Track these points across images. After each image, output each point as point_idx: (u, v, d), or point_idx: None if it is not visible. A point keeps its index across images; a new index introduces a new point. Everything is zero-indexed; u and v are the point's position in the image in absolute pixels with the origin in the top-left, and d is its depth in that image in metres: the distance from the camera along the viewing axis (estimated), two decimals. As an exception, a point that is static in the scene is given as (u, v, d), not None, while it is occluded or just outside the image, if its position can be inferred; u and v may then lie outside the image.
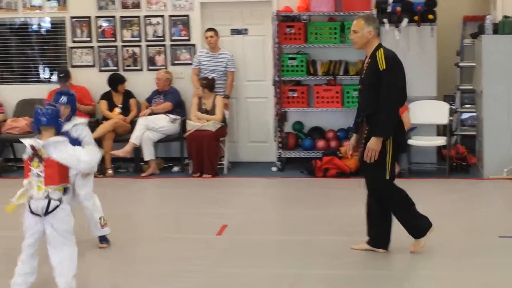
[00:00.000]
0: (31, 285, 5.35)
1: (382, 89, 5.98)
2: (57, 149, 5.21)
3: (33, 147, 5.25)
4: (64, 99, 6.51)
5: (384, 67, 5.98)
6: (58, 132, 5.34)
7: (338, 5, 10.00)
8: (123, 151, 9.91)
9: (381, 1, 9.92)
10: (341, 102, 10.10)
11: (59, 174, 5.25)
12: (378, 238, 6.34)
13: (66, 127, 6.21)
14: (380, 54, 6.02)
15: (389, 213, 6.30)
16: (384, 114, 5.99)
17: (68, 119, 6.39)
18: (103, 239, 6.74)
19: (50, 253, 5.25)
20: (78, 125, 6.53)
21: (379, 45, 6.12)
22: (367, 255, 6.28)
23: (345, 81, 10.27)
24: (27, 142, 5.30)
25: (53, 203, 5.20)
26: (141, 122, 10.03)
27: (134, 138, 9.93)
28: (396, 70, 6.05)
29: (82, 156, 5.31)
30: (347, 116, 10.25)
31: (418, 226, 6.28)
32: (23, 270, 5.32)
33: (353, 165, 9.54)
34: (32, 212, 5.23)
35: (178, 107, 10.33)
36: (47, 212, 5.19)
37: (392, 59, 6.07)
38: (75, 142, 6.11)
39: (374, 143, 5.99)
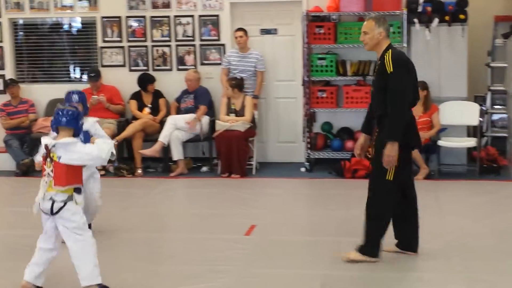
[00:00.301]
0: (52, 259, 5.53)
1: (389, 92, 5.91)
2: (67, 150, 5.25)
3: (46, 147, 5.32)
4: (75, 97, 6.61)
5: (392, 69, 5.90)
6: (76, 134, 5.37)
7: (368, 5, 9.96)
8: (152, 150, 9.95)
9: (411, 1, 9.88)
10: (370, 103, 10.05)
11: (67, 176, 5.28)
12: (407, 240, 6.29)
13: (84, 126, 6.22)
14: (388, 57, 5.95)
15: (415, 213, 6.23)
16: (392, 118, 5.91)
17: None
18: None
19: (68, 247, 5.37)
20: (94, 124, 6.73)
21: (389, 47, 6.05)
22: (396, 257, 6.24)
23: (375, 81, 10.21)
24: (43, 140, 5.37)
25: (56, 205, 5.28)
26: (170, 121, 10.06)
27: (163, 137, 9.97)
28: (403, 73, 5.94)
29: (95, 152, 5.32)
30: (376, 117, 10.24)
31: (372, 244, 6.09)
32: (42, 250, 5.48)
33: (382, 166, 9.49)
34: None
35: (208, 107, 10.37)
36: (52, 213, 5.30)
37: (399, 61, 5.97)
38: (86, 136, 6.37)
39: (389, 149, 5.87)
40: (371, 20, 6.10)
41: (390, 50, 5.99)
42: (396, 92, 5.89)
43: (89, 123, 6.61)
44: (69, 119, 5.31)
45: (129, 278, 5.89)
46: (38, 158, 5.70)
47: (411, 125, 6.09)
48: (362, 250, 6.11)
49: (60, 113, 5.33)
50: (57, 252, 5.50)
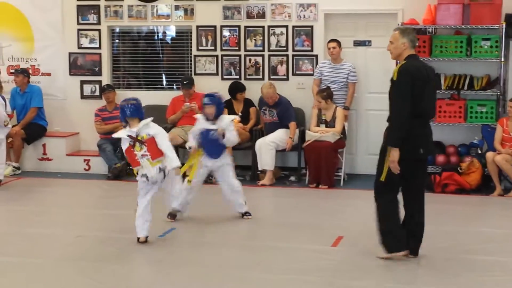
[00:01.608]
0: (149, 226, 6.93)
1: (390, 100, 6.28)
2: (149, 127, 6.83)
3: (131, 136, 6.77)
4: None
5: (395, 78, 6.19)
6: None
7: (465, 18, 9.77)
8: (268, 179, 10.02)
9: (510, 15, 9.65)
10: (463, 117, 9.87)
11: (157, 149, 6.82)
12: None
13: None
14: (398, 66, 6.26)
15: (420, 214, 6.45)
16: (392, 124, 6.24)
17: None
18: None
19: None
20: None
21: (408, 57, 6.30)
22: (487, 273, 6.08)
23: (469, 95, 10.02)
24: (122, 134, 6.80)
25: (165, 171, 6.87)
26: (271, 140, 10.10)
27: (269, 166, 10.05)
28: (405, 82, 6.12)
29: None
30: (469, 132, 10.04)
31: (385, 241, 6.43)
32: (143, 218, 6.90)
33: (474, 181, 9.31)
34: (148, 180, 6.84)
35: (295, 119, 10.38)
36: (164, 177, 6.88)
37: (406, 71, 6.17)
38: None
39: (390, 155, 6.20)
40: (398, 31, 6.43)
41: (406, 60, 6.28)
42: (395, 99, 6.22)
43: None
44: (133, 110, 6.85)
45: (216, 285, 5.93)
46: (125, 147, 6.99)
47: (418, 136, 6.24)
48: (384, 248, 6.44)
49: (125, 107, 6.86)
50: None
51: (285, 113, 10.29)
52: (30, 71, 11.35)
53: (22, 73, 11.13)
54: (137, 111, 6.88)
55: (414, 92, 6.13)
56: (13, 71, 11.27)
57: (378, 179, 6.38)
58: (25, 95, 11.11)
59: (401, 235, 6.40)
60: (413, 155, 6.26)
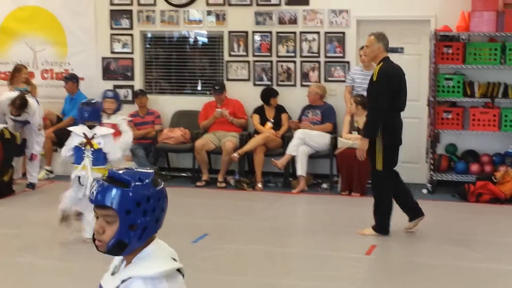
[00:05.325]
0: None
1: (371, 96, 7.26)
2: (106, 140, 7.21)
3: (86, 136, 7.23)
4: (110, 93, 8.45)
5: (375, 78, 7.12)
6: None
7: (499, 26, 9.68)
8: (281, 163, 9.97)
9: (546, 23, 9.57)
10: (498, 126, 9.77)
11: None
12: (412, 210, 7.56)
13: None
14: (377, 68, 7.16)
15: (404, 186, 7.56)
16: (369, 117, 7.26)
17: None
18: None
19: None
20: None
21: (383, 60, 7.23)
22: None
23: (504, 104, 9.93)
24: (78, 130, 7.27)
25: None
26: (299, 135, 10.07)
27: (291, 151, 9.99)
28: (385, 81, 7.07)
29: None
30: (504, 140, 9.95)
31: (380, 223, 7.40)
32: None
33: (508, 191, 9.21)
34: None
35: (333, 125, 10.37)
36: None
37: (385, 72, 7.11)
38: None
39: (360, 144, 7.32)
40: (373, 36, 7.34)
41: (382, 62, 7.20)
42: (376, 97, 7.14)
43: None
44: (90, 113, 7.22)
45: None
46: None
47: (397, 127, 7.38)
48: (375, 228, 7.43)
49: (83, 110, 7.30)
50: None
51: (328, 114, 10.34)
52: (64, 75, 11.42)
53: (71, 79, 11.18)
54: (95, 114, 7.26)
55: (393, 89, 7.13)
56: (66, 76, 11.28)
57: (374, 169, 7.34)
58: (73, 101, 11.14)
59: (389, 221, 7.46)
60: (396, 142, 7.38)
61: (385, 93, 7.10)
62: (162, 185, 2.62)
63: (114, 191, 2.52)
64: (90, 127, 7.18)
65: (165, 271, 2.53)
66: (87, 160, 7.09)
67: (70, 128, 7.53)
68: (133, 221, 2.52)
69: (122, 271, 2.60)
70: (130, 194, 2.52)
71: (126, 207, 2.51)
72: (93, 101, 7.46)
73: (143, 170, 2.62)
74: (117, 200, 2.51)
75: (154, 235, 2.61)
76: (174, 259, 2.61)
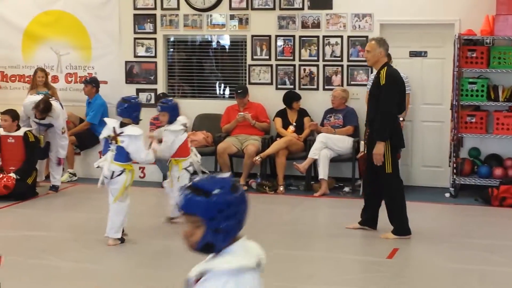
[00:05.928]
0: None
1: (380, 100, 7.26)
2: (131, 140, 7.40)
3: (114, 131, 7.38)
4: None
5: (384, 82, 7.27)
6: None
7: (524, 29, 9.63)
8: (303, 166, 9.96)
9: None
10: (522, 130, 9.71)
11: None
12: (370, 217, 7.68)
13: None
14: (383, 72, 7.33)
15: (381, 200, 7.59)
16: (381, 121, 7.30)
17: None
18: None
19: None
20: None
21: (385, 64, 7.41)
22: None
23: (528, 108, 9.86)
24: (111, 123, 7.45)
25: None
26: (321, 139, 10.06)
27: (313, 154, 9.99)
28: (393, 85, 7.29)
29: None
30: (528, 144, 9.88)
31: (400, 225, 7.45)
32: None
33: (532, 195, 9.14)
34: None
35: (354, 129, 10.35)
36: None
37: (392, 76, 7.32)
38: None
39: (377, 148, 7.28)
40: (374, 41, 7.53)
41: (386, 67, 7.38)
42: (385, 100, 7.24)
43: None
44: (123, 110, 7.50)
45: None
46: None
47: (400, 129, 7.61)
48: (396, 232, 7.45)
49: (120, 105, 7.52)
50: None
51: (350, 117, 10.35)
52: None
53: (90, 83, 11.24)
54: (127, 112, 7.39)
55: (398, 92, 7.37)
56: (86, 79, 11.34)
57: (384, 172, 7.33)
58: (90, 105, 11.22)
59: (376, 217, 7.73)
60: (400, 144, 7.63)
61: (395, 96, 7.32)
62: (241, 190, 2.82)
63: (197, 200, 2.75)
64: (122, 125, 7.35)
65: (237, 267, 2.77)
66: (110, 153, 7.33)
67: (105, 119, 7.73)
68: (217, 225, 2.76)
69: (202, 263, 2.83)
70: (213, 202, 2.75)
71: (209, 214, 2.75)
72: (131, 99, 7.63)
73: (222, 177, 2.83)
74: (201, 209, 2.75)
75: (239, 235, 2.84)
76: (257, 259, 2.88)
